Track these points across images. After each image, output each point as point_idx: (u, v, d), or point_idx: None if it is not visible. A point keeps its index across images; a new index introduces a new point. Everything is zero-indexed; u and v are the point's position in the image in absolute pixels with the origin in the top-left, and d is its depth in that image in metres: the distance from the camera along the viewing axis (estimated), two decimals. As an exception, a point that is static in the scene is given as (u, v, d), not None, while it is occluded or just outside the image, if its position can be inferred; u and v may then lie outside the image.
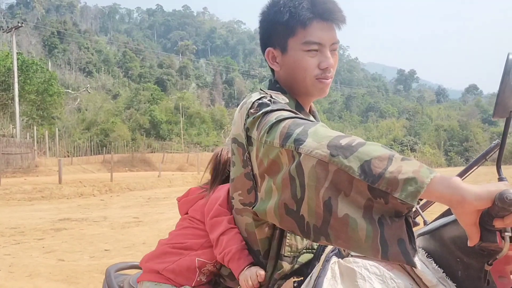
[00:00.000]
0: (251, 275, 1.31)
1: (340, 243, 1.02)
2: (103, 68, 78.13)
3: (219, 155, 1.68)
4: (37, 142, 31.42)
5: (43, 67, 37.11)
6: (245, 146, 1.29)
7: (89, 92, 61.53)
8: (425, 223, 1.46)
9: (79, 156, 35.35)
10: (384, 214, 0.94)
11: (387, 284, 1.16)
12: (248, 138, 1.28)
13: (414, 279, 1.19)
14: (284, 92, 1.41)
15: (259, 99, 1.29)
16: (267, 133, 1.15)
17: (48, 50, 73.14)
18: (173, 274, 1.51)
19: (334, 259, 1.27)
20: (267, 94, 1.33)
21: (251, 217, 1.34)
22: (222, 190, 1.56)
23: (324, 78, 1.39)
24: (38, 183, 17.43)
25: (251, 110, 1.27)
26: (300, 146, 1.04)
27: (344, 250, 1.29)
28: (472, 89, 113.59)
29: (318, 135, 1.04)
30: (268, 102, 1.27)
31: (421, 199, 0.93)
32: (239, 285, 1.35)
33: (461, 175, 1.50)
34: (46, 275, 5.25)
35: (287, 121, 1.13)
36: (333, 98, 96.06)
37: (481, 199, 0.88)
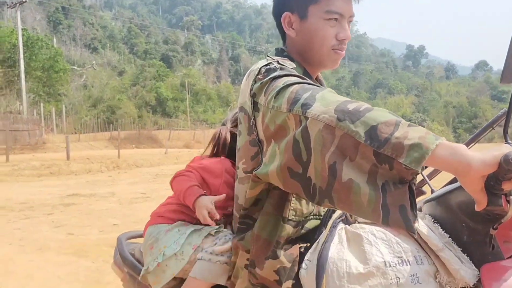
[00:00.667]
0: (206, 205, 1.45)
1: (343, 206, 1.03)
2: (108, 44, 77.68)
3: (218, 134, 1.75)
4: (44, 119, 31.53)
5: (48, 44, 36.95)
6: (251, 112, 1.30)
7: (94, 69, 61.37)
8: (432, 191, 1.47)
9: (86, 133, 35.50)
10: (388, 180, 0.95)
11: (393, 248, 1.19)
12: (255, 104, 1.28)
13: (420, 244, 1.22)
14: (291, 60, 1.41)
15: (266, 65, 1.30)
16: (275, 98, 1.16)
17: (53, 26, 72.71)
18: (174, 214, 1.63)
19: (341, 225, 1.30)
20: (274, 59, 1.33)
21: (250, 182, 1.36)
22: (214, 162, 1.66)
23: (340, 49, 1.41)
24: (46, 159, 17.55)
25: (259, 76, 1.28)
26: (308, 110, 1.05)
27: (351, 217, 1.31)
28: (482, 65, 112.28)
29: (326, 100, 1.05)
30: (276, 67, 1.27)
31: (426, 167, 0.93)
32: None
33: (468, 143, 1.50)
34: (56, 248, 5.34)
35: (295, 86, 1.14)
36: (340, 74, 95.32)
37: (487, 164, 0.88)
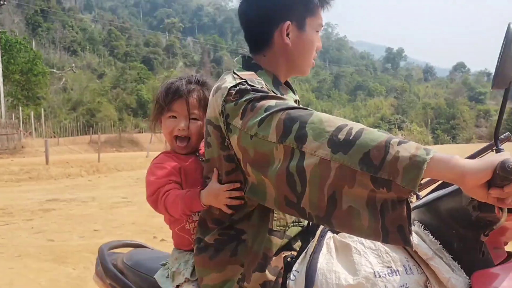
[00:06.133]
0: (217, 189, 1.33)
1: (343, 229, 1.09)
2: (88, 47, 76.79)
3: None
4: (23, 123, 31.06)
5: (27, 46, 36.45)
6: (224, 132, 1.27)
7: (74, 72, 60.57)
8: (417, 197, 1.46)
9: (66, 136, 35.05)
10: (387, 200, 0.98)
11: (382, 258, 1.18)
12: (227, 124, 1.25)
13: (409, 253, 1.20)
14: (259, 69, 1.40)
15: (235, 85, 1.26)
16: (259, 126, 1.15)
17: (31, 29, 71.55)
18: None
19: (329, 234, 1.28)
20: (242, 79, 1.29)
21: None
22: (163, 166, 1.54)
23: (314, 58, 1.48)
24: (25, 164, 17.27)
25: (229, 97, 1.25)
26: (303, 146, 1.07)
27: None
28: (459, 67, 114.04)
29: (317, 132, 1.07)
30: (248, 89, 1.24)
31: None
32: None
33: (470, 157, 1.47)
34: (36, 255, 5.23)
35: (280, 114, 1.13)
36: (321, 77, 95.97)
37: (480, 171, 0.89)
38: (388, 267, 1.16)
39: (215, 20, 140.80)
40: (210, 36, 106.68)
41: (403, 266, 1.17)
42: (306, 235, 1.37)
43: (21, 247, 5.57)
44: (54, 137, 33.17)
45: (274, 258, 1.29)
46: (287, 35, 1.40)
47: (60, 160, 18.89)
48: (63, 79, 56.63)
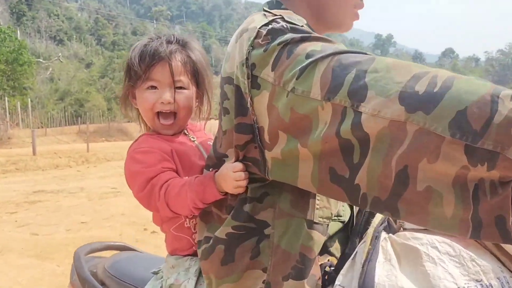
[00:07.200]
0: (231, 175, 0.98)
1: (413, 219, 0.74)
2: (74, 36, 75.88)
3: None
4: (9, 114, 30.57)
5: (12, 36, 35.77)
6: (247, 89, 0.91)
7: (61, 61, 59.69)
8: None
9: (54, 127, 34.56)
10: (484, 180, 0.67)
11: (467, 267, 0.83)
12: (253, 78, 0.90)
13: (499, 259, 0.86)
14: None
15: (266, 24, 0.92)
16: (297, 79, 0.83)
17: (16, 18, 70.39)
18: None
19: (384, 234, 0.92)
20: (276, 15, 0.95)
21: None
22: (149, 151, 1.17)
23: (360, 8, 1.12)
24: (12, 155, 16.88)
25: (258, 40, 0.91)
26: (362, 104, 0.74)
27: (396, 222, 0.93)
28: (448, 53, 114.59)
29: (382, 82, 0.74)
30: (284, 27, 0.90)
31: None
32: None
33: None
34: (18, 250, 4.93)
35: (327, 61, 0.80)
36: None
37: None
38: (476, 280, 0.82)
39: (203, 8, 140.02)
40: (198, 24, 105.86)
41: (497, 278, 0.83)
42: (346, 235, 1.04)
43: (2, 242, 5.26)
44: (42, 127, 32.64)
45: (314, 262, 0.96)
46: None
47: (48, 150, 18.50)
48: (50, 69, 55.81)
